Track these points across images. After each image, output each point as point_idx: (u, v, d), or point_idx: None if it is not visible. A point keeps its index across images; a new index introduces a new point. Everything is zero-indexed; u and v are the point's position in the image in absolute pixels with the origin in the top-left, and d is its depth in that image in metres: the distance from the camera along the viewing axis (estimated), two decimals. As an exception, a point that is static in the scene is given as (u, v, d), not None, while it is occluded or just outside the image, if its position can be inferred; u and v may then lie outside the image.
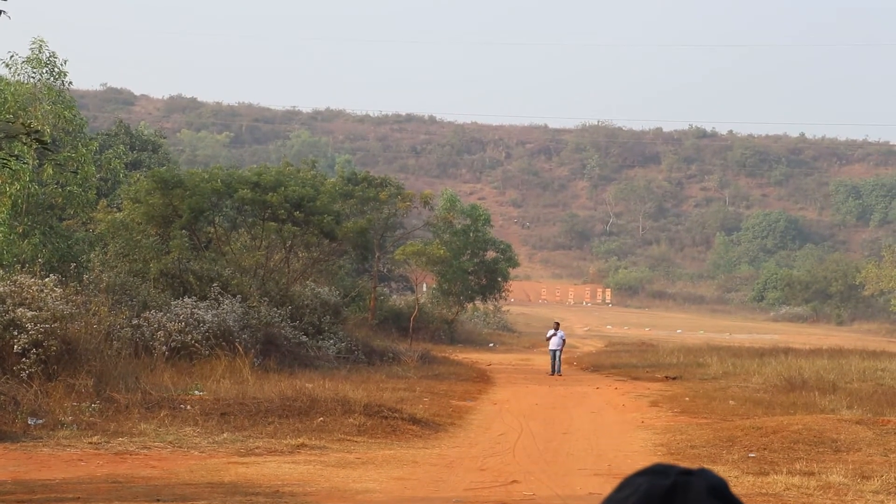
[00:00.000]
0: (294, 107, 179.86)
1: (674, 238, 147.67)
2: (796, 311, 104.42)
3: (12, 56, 30.92)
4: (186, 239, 35.05)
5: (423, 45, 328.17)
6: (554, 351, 37.44)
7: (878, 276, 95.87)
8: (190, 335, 27.52)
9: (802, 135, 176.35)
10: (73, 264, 28.04)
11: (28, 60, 30.86)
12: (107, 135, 55.22)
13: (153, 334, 27.01)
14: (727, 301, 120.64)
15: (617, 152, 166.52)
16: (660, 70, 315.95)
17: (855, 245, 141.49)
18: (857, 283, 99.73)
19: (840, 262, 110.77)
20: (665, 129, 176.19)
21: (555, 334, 37.47)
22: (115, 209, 37.87)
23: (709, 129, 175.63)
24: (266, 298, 33.07)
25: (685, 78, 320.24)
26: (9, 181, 28.25)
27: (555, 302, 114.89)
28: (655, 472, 1.56)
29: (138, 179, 38.39)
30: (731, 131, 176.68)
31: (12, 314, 20.97)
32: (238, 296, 31.12)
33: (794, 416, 21.82)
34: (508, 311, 74.49)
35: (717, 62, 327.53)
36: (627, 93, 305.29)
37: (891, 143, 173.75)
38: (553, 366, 37.49)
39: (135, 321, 27.00)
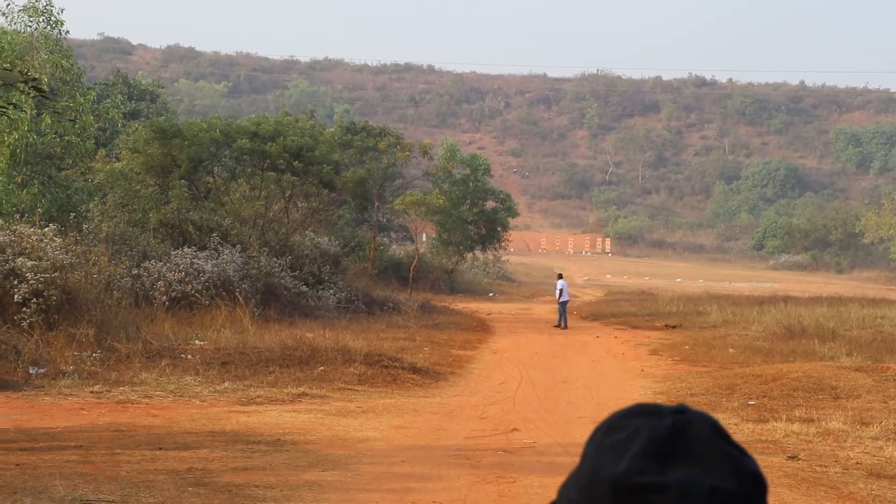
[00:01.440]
0: (292, 56, 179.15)
1: (673, 187, 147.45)
2: (796, 259, 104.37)
3: (9, 4, 30.71)
4: (185, 189, 34.95)
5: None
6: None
7: (877, 223, 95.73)
8: (190, 285, 27.50)
9: (802, 82, 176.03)
10: (73, 214, 28.00)
11: (24, 9, 30.64)
12: (104, 84, 55.00)
13: (153, 284, 27.00)
14: (727, 250, 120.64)
15: (616, 101, 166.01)
16: (659, 18, 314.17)
17: (855, 193, 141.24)
18: (856, 231, 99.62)
19: (840, 210, 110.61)
20: (665, 78, 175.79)
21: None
22: (113, 159, 37.76)
23: (708, 77, 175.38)
24: (266, 248, 33.04)
25: (685, 26, 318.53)
26: (7, 130, 28.14)
27: (554, 251, 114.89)
28: (648, 413, 1.51)
29: (137, 129, 38.24)
30: (730, 79, 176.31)
31: (12, 264, 20.96)
32: (238, 246, 31.09)
33: (793, 364, 21.87)
34: (508, 260, 74.43)
35: (716, 10, 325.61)
36: (627, 41, 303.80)
37: (891, 91, 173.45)
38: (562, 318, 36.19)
39: (135, 271, 26.98)
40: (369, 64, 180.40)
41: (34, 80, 14.18)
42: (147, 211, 32.93)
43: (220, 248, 30.12)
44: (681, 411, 1.50)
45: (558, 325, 36.04)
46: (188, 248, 29.84)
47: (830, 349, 25.79)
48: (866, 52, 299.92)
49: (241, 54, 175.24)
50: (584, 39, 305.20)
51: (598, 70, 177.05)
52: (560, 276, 37.61)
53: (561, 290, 36.57)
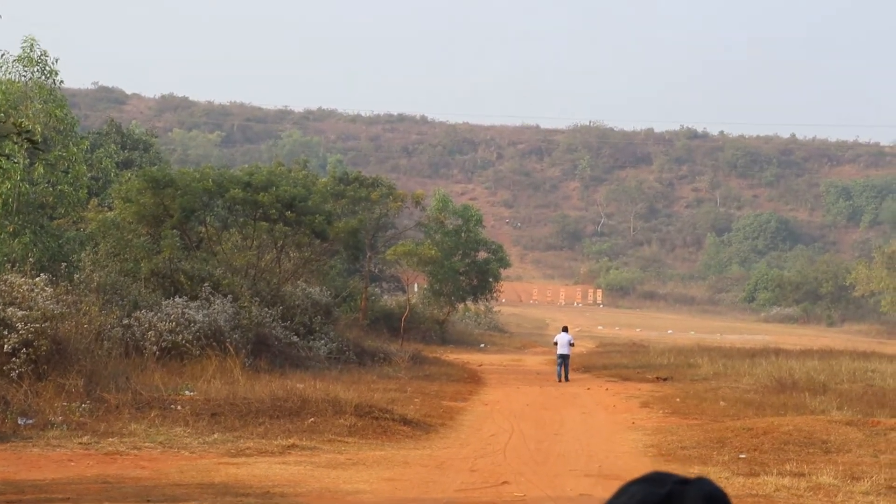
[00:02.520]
0: (286, 106, 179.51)
1: (665, 239, 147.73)
2: (787, 311, 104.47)
3: (3, 55, 30.84)
4: (177, 238, 34.95)
5: (414, 46, 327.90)
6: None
7: (868, 276, 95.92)
8: (181, 335, 27.47)
9: (793, 135, 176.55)
10: (64, 264, 27.98)
11: (19, 59, 30.77)
12: (98, 134, 55.11)
13: (144, 334, 26.96)
14: (718, 302, 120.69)
15: (608, 153, 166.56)
16: (651, 70, 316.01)
17: (845, 246, 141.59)
18: (847, 284, 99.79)
19: (830, 262, 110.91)
20: (656, 130, 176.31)
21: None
22: (106, 208, 37.79)
23: (700, 129, 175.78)
24: (257, 298, 33.02)
25: (676, 79, 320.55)
26: (-1, 180, 28.19)
27: (546, 302, 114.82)
28: (652, 480, 1.55)
29: (129, 179, 38.31)
30: (722, 132, 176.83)
31: (2, 314, 20.92)
32: (229, 296, 31.07)
33: (784, 417, 21.85)
34: (500, 311, 74.46)
35: (708, 63, 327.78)
36: (619, 93, 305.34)
37: (881, 145, 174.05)
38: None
39: (125, 321, 26.95)
40: (362, 114, 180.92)
41: (27, 131, 14.24)
42: (139, 260, 32.91)
43: (212, 298, 30.11)
44: (684, 482, 1.52)
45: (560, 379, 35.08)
46: (179, 297, 29.83)
47: (821, 403, 25.77)
48: (857, 106, 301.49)
49: (234, 104, 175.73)
50: (576, 91, 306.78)
51: (590, 122, 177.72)
52: (565, 329, 36.73)
53: (555, 343, 36.19)
